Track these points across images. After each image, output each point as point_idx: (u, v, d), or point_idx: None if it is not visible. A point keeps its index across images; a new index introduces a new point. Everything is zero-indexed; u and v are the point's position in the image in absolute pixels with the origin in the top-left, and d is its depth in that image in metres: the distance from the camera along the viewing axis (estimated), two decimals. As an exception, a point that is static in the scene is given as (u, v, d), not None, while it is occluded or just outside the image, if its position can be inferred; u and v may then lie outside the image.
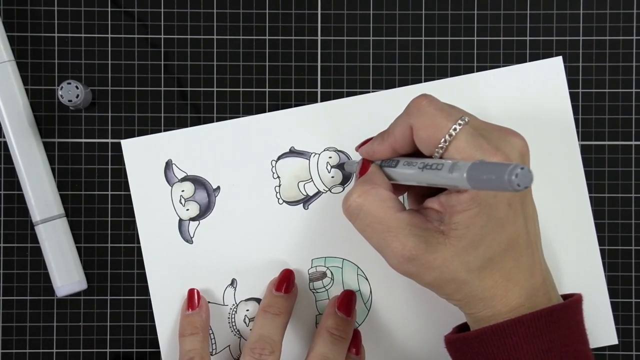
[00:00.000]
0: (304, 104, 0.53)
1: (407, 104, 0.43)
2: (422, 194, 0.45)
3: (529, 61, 0.53)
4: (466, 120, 0.41)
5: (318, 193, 0.52)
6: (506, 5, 0.53)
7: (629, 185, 0.53)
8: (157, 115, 0.53)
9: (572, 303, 0.43)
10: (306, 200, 0.52)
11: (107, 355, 0.52)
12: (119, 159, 0.52)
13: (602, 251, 0.52)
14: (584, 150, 0.53)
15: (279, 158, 0.52)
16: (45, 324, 0.52)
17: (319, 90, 0.53)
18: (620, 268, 0.53)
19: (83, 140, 0.53)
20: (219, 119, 0.53)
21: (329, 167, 0.52)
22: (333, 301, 0.51)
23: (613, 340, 0.52)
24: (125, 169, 0.52)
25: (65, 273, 0.51)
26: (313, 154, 0.52)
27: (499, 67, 0.53)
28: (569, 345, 0.42)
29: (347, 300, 0.51)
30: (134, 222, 0.52)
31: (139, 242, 0.52)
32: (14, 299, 0.52)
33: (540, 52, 0.53)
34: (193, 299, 0.51)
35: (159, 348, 0.52)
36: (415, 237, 0.42)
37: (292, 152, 0.52)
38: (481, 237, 0.41)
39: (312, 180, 0.52)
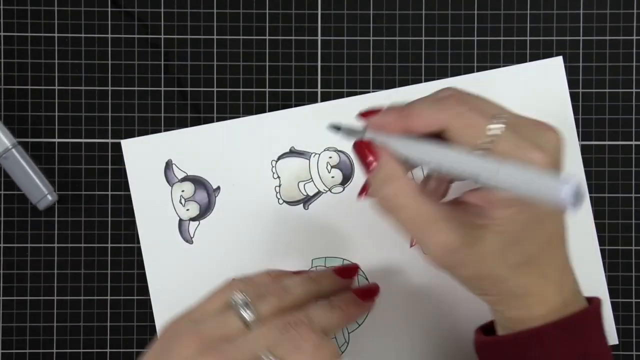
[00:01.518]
0: (304, 104, 0.53)
1: (438, 93, 0.41)
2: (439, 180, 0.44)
3: (529, 61, 0.53)
4: (504, 119, 0.40)
5: (318, 193, 0.52)
6: (506, 5, 0.53)
7: (629, 185, 0.53)
8: (157, 115, 0.53)
9: (598, 306, 0.43)
10: (306, 200, 0.52)
11: (107, 355, 0.52)
12: (119, 159, 0.52)
13: (602, 251, 0.52)
14: (584, 150, 0.53)
15: (279, 158, 0.52)
16: (45, 324, 0.52)
17: (319, 90, 0.53)
18: (620, 268, 0.53)
19: (83, 140, 0.53)
20: (219, 119, 0.53)
21: (329, 167, 0.52)
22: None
23: (613, 340, 0.52)
24: (125, 169, 0.52)
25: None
26: (313, 154, 0.52)
27: (499, 67, 0.53)
28: (600, 347, 0.42)
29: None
30: (134, 222, 0.52)
31: (139, 242, 0.52)
32: (14, 299, 0.52)
33: (540, 52, 0.53)
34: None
35: (159, 348, 0.52)
36: (456, 229, 0.41)
37: (292, 152, 0.52)
38: (522, 234, 0.40)
39: (312, 180, 0.52)
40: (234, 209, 0.52)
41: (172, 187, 0.52)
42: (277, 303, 0.43)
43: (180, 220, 0.52)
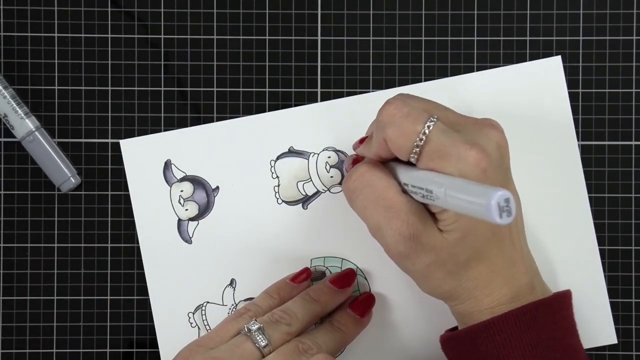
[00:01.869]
0: (304, 104, 0.53)
1: (377, 114, 0.43)
2: None
3: (529, 61, 0.53)
4: (435, 118, 0.41)
5: (317, 193, 0.52)
6: (506, 5, 0.53)
7: (629, 185, 0.52)
8: (157, 115, 0.53)
9: (557, 298, 0.43)
10: (305, 200, 0.52)
11: (107, 355, 0.52)
12: (119, 159, 0.52)
13: (602, 251, 0.52)
14: (584, 150, 0.52)
15: (277, 158, 0.52)
16: (45, 324, 0.52)
17: (318, 90, 0.53)
18: (620, 268, 0.53)
19: (83, 140, 0.53)
20: (219, 119, 0.53)
21: (327, 167, 0.52)
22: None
23: (612, 339, 0.52)
24: (124, 168, 0.52)
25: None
26: (312, 154, 0.52)
27: (499, 67, 0.53)
28: (556, 339, 0.42)
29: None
30: (134, 222, 0.52)
31: (138, 242, 0.52)
32: (14, 299, 0.52)
33: (540, 52, 0.53)
34: (300, 275, 0.50)
35: (158, 348, 0.52)
36: (416, 216, 0.42)
37: (291, 152, 0.52)
38: (469, 229, 0.41)
39: (311, 180, 0.52)
40: (233, 209, 0.52)
41: (170, 187, 0.52)
42: (287, 329, 0.46)
43: (179, 220, 0.52)
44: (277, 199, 0.52)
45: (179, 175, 0.52)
